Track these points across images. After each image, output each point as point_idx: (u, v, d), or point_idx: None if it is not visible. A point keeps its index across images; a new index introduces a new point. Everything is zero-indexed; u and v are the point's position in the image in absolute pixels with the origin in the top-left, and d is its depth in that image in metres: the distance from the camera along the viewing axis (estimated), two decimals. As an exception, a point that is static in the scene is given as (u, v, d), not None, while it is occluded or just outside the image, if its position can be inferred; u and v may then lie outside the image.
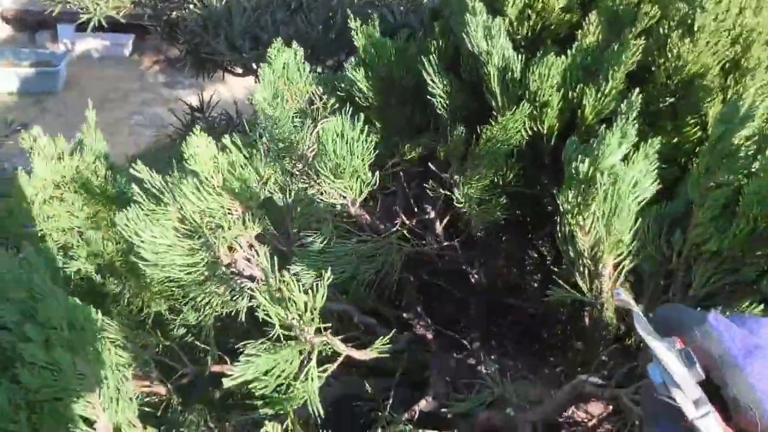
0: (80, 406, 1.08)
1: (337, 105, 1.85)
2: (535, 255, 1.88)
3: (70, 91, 7.83)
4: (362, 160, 1.34)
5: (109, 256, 1.78)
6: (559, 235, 1.31)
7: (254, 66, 4.31)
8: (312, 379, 1.07)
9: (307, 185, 1.56)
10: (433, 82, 1.65)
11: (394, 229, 1.61)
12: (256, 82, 4.39)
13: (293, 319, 1.05)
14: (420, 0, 3.06)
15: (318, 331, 1.08)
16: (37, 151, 1.79)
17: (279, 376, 1.04)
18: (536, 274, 1.93)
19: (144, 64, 8.54)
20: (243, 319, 1.35)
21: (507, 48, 1.53)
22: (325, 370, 1.11)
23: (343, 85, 1.89)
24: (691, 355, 0.62)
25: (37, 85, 7.75)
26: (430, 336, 1.59)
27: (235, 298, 1.32)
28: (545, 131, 1.53)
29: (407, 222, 1.64)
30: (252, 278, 1.35)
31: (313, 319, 1.01)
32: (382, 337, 1.14)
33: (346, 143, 1.32)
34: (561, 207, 1.25)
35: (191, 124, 4.07)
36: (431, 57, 1.66)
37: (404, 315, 1.62)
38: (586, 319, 1.46)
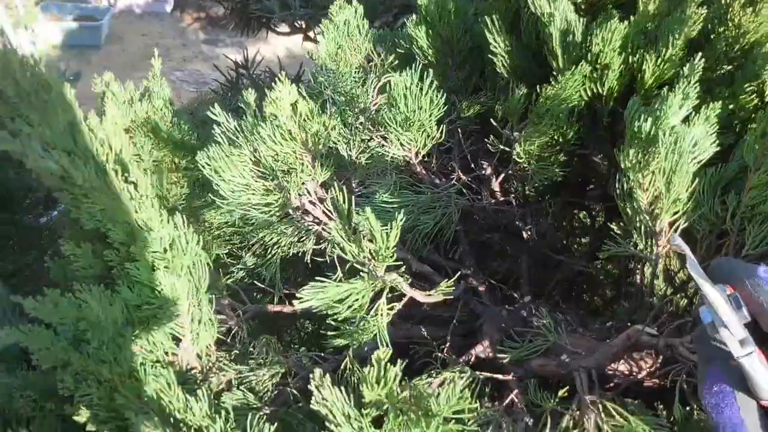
0: (171, 324, 1.16)
1: (396, 62, 1.90)
2: (584, 214, 1.92)
3: (113, 46, 7.94)
4: (430, 114, 1.39)
5: (172, 199, 1.85)
6: (618, 192, 1.35)
7: (302, 25, 4.37)
8: (382, 315, 1.13)
9: (369, 137, 1.62)
10: (495, 41, 1.69)
11: (451, 183, 1.66)
12: (304, 41, 4.44)
13: (365, 257, 1.11)
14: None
15: (388, 270, 1.14)
16: (110, 96, 1.85)
17: (351, 306, 1.10)
18: (585, 233, 1.98)
19: (185, 21, 8.62)
20: (308, 260, 1.42)
21: (569, 11, 1.56)
22: (392, 308, 1.17)
23: (402, 43, 1.94)
24: (739, 299, 0.68)
25: (80, 39, 7.87)
26: (482, 288, 1.65)
27: (302, 239, 1.38)
28: (604, 93, 1.57)
29: (463, 177, 1.69)
30: (318, 222, 1.41)
31: (389, 256, 1.06)
32: (445, 280, 1.19)
33: (416, 97, 1.37)
34: (622, 165, 1.29)
35: (236, 80, 4.13)
36: (494, 17, 1.69)
37: (458, 267, 1.67)
38: (637, 278, 1.51)
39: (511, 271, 1.79)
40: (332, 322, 1.16)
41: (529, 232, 1.72)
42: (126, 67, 7.36)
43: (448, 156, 1.83)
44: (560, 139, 1.55)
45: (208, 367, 1.31)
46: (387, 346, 1.13)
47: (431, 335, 1.56)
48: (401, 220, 1.11)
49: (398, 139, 1.44)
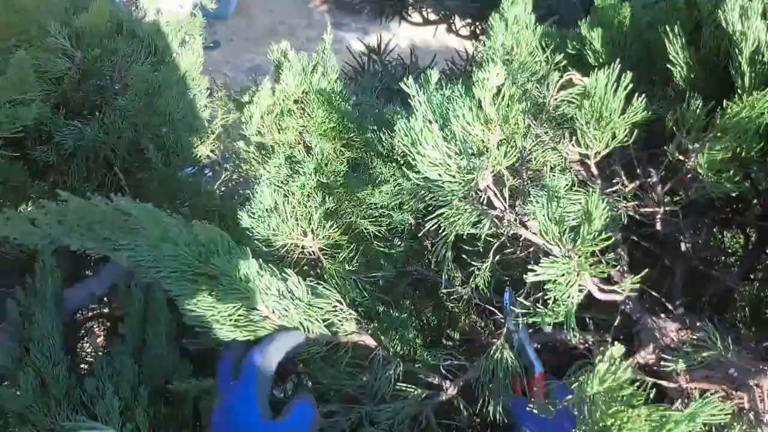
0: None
1: (565, 62, 1.92)
2: (739, 231, 1.91)
3: (240, 18, 8.16)
4: (623, 119, 1.41)
5: (331, 176, 1.91)
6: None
7: (428, 16, 4.42)
8: (573, 302, 1.16)
9: (544, 132, 1.64)
10: (676, 52, 1.69)
11: (617, 186, 1.68)
12: (435, 34, 4.50)
13: (563, 240, 1.14)
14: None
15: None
16: (287, 65, 1.93)
17: (569, 283, 1.14)
18: (735, 251, 1.96)
19: (313, 2, 8.79)
20: (481, 243, 1.46)
21: (762, 30, 1.55)
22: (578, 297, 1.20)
23: (574, 43, 1.96)
24: None
25: (208, 8, 8.08)
26: (634, 295, 1.66)
27: (482, 220, 1.42)
28: (791, 114, 1.55)
29: (627, 183, 1.70)
30: (493, 206, 1.45)
31: (594, 244, 1.10)
32: (631, 276, 1.22)
33: (611, 97, 1.39)
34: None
35: (366, 65, 4.21)
36: (676, 27, 1.69)
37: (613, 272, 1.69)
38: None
39: (661, 281, 1.79)
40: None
41: (687, 245, 1.72)
42: (250, 41, 7.58)
43: (607, 159, 1.84)
44: (741, 155, 1.54)
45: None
46: (574, 332, 1.16)
47: (582, 338, 1.58)
48: (606, 209, 1.14)
49: (584, 137, 1.46)
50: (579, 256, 1.15)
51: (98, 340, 2.46)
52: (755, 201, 1.83)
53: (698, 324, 1.55)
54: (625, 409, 0.88)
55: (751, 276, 1.87)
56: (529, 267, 1.15)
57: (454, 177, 1.35)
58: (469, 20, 4.14)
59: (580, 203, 1.52)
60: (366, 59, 4.26)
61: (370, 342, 1.57)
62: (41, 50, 2.17)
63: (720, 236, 2.03)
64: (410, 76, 1.45)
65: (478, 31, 4.13)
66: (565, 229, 1.18)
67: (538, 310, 1.19)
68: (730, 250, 2.01)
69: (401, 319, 1.87)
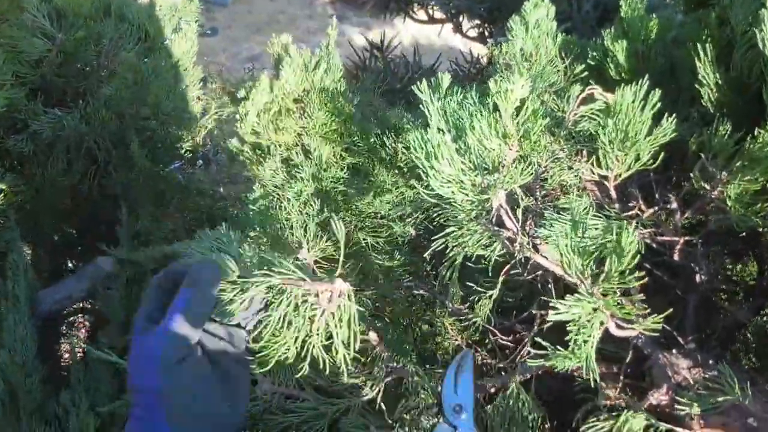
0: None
1: (586, 73, 1.82)
2: (754, 262, 1.82)
3: (240, 5, 8.02)
4: (650, 141, 1.31)
5: (330, 182, 1.80)
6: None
7: (441, 15, 4.32)
8: (593, 344, 1.06)
9: (561, 149, 1.54)
10: (705, 72, 1.59)
11: (634, 211, 1.58)
12: (440, 33, 4.39)
13: (588, 276, 1.04)
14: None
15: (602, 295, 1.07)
16: (288, 61, 1.82)
17: (593, 324, 1.03)
18: (749, 285, 1.86)
19: (316, -8, 8.67)
20: (490, 270, 1.36)
21: (798, 53, 1.45)
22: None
23: (595, 54, 1.85)
24: None
25: (211, -5, 7.96)
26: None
27: (492, 242, 1.31)
28: (822, 145, 1.45)
29: (645, 208, 1.60)
30: (505, 227, 1.35)
31: (614, 279, 0.99)
32: (653, 315, 1.11)
33: (637, 115, 1.29)
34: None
35: (369, 60, 4.10)
36: (707, 46, 1.59)
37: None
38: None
39: (672, 314, 1.68)
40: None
41: (702, 276, 1.61)
42: (250, 30, 7.44)
43: (623, 183, 1.74)
44: (770, 188, 1.44)
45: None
46: (594, 374, 1.06)
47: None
48: (633, 240, 1.04)
49: (605, 157, 1.35)
50: (604, 295, 1.04)
51: (82, 331, 2.35)
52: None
53: (710, 362, 1.46)
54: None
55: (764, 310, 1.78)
56: (551, 304, 1.04)
57: (467, 195, 1.24)
58: (477, 21, 4.03)
59: (597, 229, 1.42)
60: (368, 55, 4.15)
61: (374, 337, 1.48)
62: (15, 28, 2.02)
63: (732, 267, 1.92)
64: (419, 78, 1.35)
65: (486, 34, 4.01)
66: (589, 263, 1.07)
67: (558, 352, 1.08)
68: (740, 283, 1.91)
69: (398, 336, 1.77)
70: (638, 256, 1.01)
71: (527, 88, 1.16)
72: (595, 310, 1.05)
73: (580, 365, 1.06)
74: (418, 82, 1.29)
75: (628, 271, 1.01)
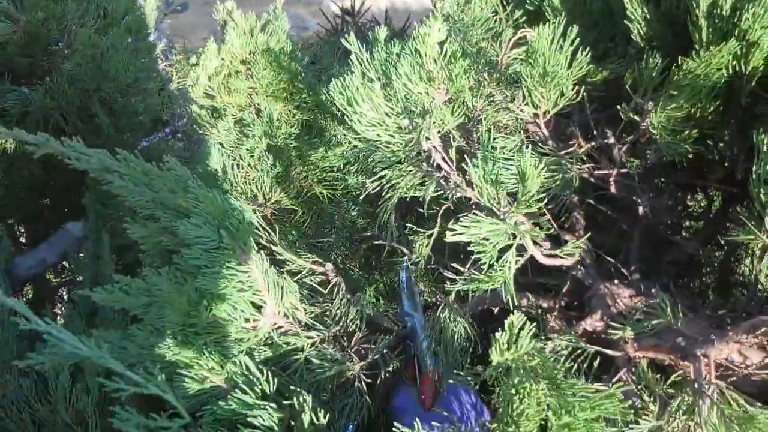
0: (249, 294, 1.19)
1: (524, 18, 1.85)
2: (702, 197, 1.86)
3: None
4: (570, 72, 1.35)
5: (281, 138, 1.84)
6: (754, 177, 1.29)
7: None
8: (510, 268, 1.11)
9: (497, 91, 1.58)
10: (633, 8, 1.62)
11: (572, 148, 1.62)
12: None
13: (500, 202, 1.09)
14: None
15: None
16: (232, 25, 1.86)
17: (495, 245, 1.08)
18: (698, 216, 1.91)
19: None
20: (426, 205, 1.40)
21: (720, -19, 1.49)
22: (516, 262, 1.15)
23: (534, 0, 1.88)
24: None
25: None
26: (588, 260, 1.61)
27: (425, 182, 1.36)
28: (747, 72, 1.49)
29: (584, 144, 1.65)
30: (439, 168, 1.39)
31: (529, 205, 1.04)
32: (572, 240, 1.16)
33: (557, 52, 1.33)
34: (759, 148, 1.23)
35: (341, 26, 4.11)
36: (635, -19, 1.62)
37: (567, 236, 1.63)
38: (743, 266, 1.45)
39: (619, 246, 1.74)
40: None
41: (645, 209, 1.66)
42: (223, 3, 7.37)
43: (566, 121, 1.78)
44: (697, 114, 1.48)
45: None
46: (512, 298, 1.11)
47: (536, 303, 1.54)
48: (542, 168, 1.08)
49: (531, 95, 1.40)
50: (516, 220, 1.09)
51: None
52: (717, 163, 1.78)
53: (653, 291, 1.51)
54: (526, 382, 0.83)
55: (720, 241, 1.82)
56: (448, 226, 1.09)
57: (393, 137, 1.29)
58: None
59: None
60: (340, 21, 4.17)
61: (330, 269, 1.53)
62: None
63: (681, 201, 1.97)
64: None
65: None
66: (501, 190, 1.12)
67: (473, 276, 1.14)
68: (688, 216, 1.96)
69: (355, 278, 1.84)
70: (539, 179, 1.05)
71: (444, 32, 1.20)
72: (514, 236, 1.10)
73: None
74: (346, 35, 1.34)
75: (534, 195, 1.05)
